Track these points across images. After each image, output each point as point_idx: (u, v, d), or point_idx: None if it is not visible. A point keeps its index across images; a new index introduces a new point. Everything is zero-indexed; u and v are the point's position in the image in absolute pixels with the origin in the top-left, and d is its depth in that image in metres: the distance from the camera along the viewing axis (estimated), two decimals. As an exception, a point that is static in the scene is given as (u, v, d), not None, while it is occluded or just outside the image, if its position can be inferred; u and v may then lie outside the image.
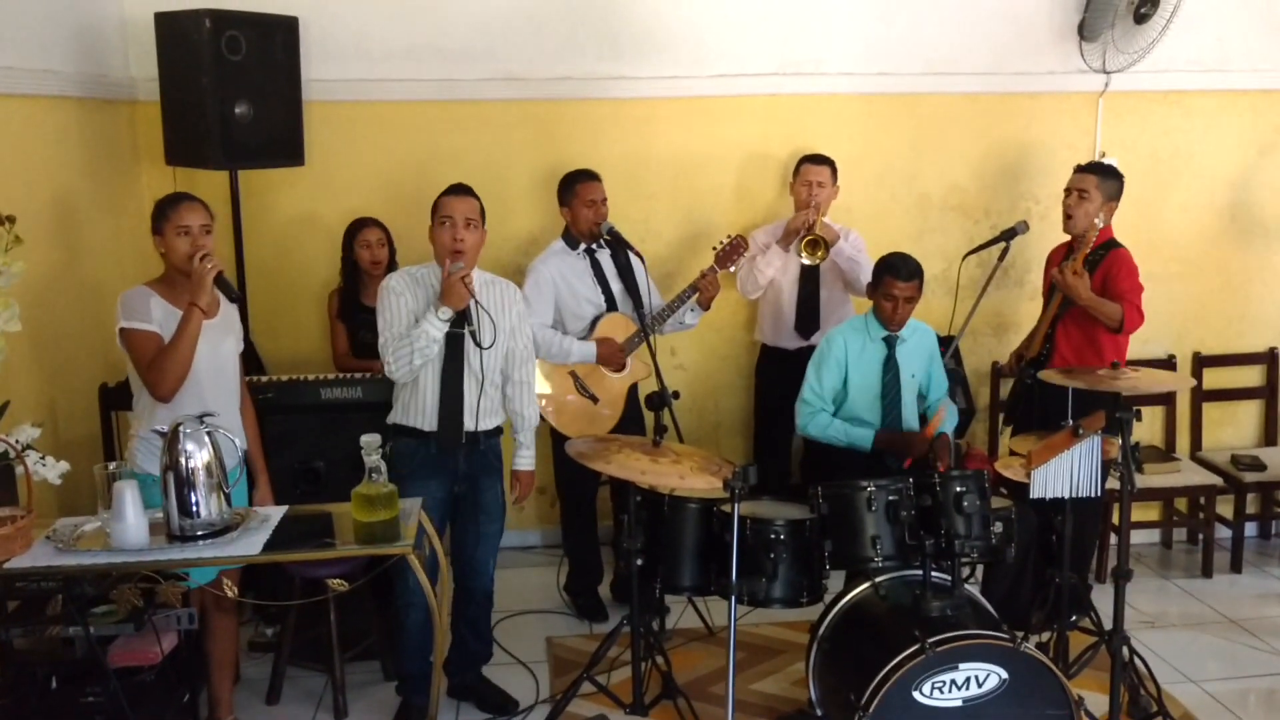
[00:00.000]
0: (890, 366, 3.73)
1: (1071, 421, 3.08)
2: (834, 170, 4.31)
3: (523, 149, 4.50)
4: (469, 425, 3.28)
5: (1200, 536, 4.72)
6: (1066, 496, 3.04)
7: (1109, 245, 3.94)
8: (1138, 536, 4.85)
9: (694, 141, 4.58)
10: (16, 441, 2.66)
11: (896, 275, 3.62)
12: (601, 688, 3.29)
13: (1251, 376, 4.99)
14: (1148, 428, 4.85)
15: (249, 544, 2.65)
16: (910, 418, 3.78)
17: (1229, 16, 4.68)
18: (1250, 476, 4.62)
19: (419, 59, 4.39)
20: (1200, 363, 4.91)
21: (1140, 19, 4.44)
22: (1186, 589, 4.49)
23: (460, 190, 3.27)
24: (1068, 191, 3.96)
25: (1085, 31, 4.59)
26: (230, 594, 2.96)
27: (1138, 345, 4.45)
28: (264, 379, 3.76)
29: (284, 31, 4.01)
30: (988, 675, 2.80)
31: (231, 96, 3.82)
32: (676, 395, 3.45)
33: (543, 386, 3.90)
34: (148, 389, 2.94)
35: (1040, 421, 3.75)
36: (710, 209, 4.64)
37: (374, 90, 4.38)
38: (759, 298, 4.45)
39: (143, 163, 4.30)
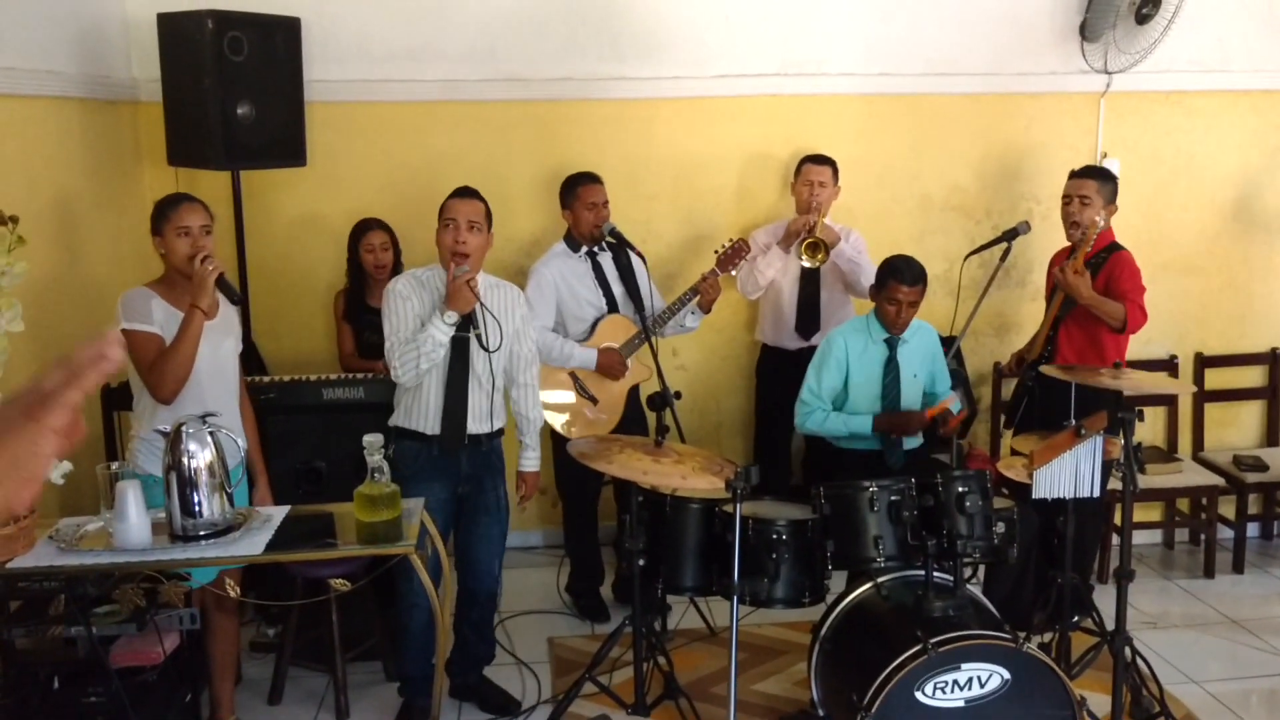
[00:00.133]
0: (891, 368, 3.73)
1: (1074, 422, 3.08)
2: (835, 170, 4.31)
3: (524, 149, 4.50)
4: (472, 428, 3.28)
5: (1202, 537, 4.72)
6: (1068, 497, 3.05)
7: (1111, 248, 3.94)
8: (1140, 537, 4.85)
9: (695, 142, 4.59)
10: (19, 442, 2.66)
11: (901, 280, 3.61)
12: (603, 688, 3.30)
13: (1253, 377, 4.99)
14: (1150, 428, 4.85)
15: (251, 544, 2.65)
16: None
17: (1230, 17, 4.68)
18: (1252, 477, 4.62)
19: (420, 60, 4.39)
20: (1202, 363, 4.91)
21: (1142, 19, 4.44)
22: (1188, 589, 4.48)
23: (465, 193, 3.27)
24: (1068, 199, 3.94)
25: (1087, 32, 4.59)
26: (232, 594, 2.97)
27: (1139, 345, 4.45)
28: (266, 379, 3.76)
29: (286, 32, 4.01)
30: (990, 676, 2.80)
31: (233, 97, 3.82)
32: (678, 395, 3.45)
33: (561, 398, 3.92)
34: (149, 391, 2.94)
35: (1042, 422, 3.74)
36: (711, 210, 4.64)
37: (376, 91, 4.38)
38: (759, 298, 4.45)
39: (145, 163, 4.30)
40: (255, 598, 3.30)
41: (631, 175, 4.50)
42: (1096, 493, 3.04)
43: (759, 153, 4.63)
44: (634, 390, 4.08)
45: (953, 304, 4.34)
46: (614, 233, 3.96)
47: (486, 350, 3.22)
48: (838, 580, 3.19)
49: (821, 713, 3.15)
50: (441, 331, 3.14)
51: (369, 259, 4.10)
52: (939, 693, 2.78)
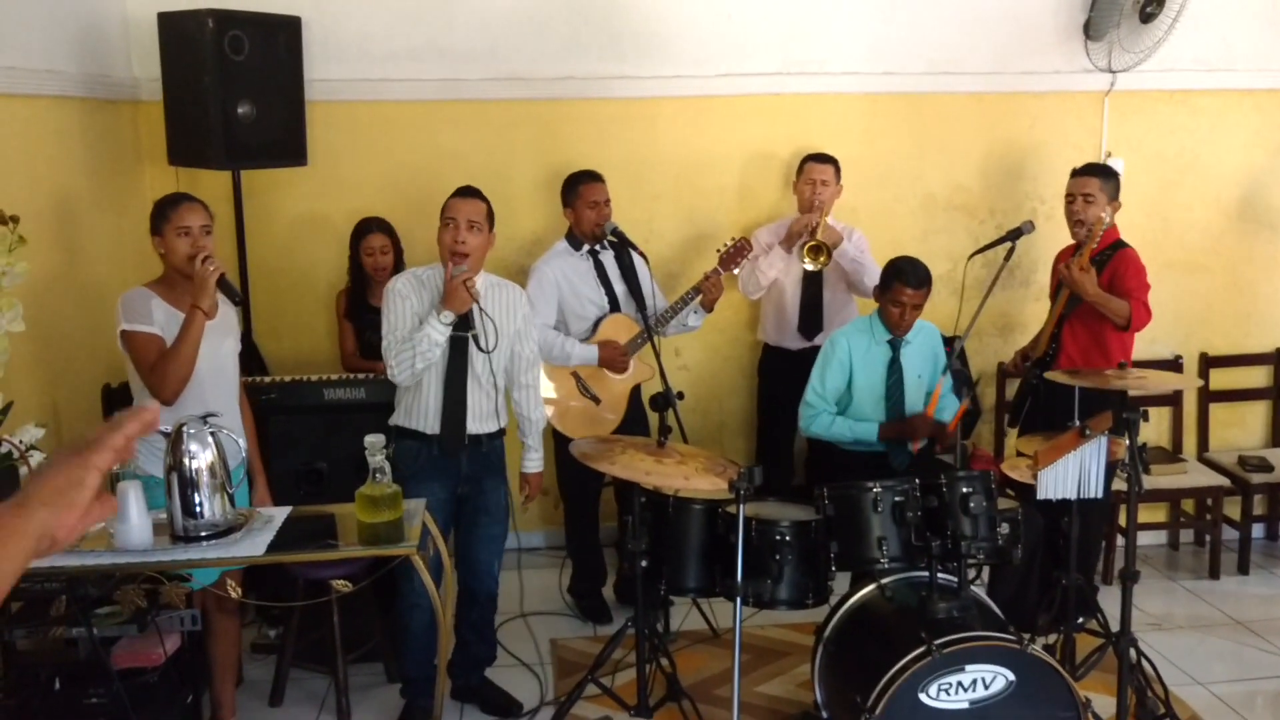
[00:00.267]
0: (895, 369, 3.71)
1: (1078, 422, 3.06)
2: (838, 169, 4.30)
3: (526, 149, 4.49)
4: (472, 428, 3.27)
5: (1207, 538, 4.70)
6: (1073, 498, 3.03)
7: (1116, 246, 3.92)
8: (1144, 538, 4.83)
9: (697, 141, 4.57)
10: (20, 442, 2.66)
11: (906, 282, 3.60)
12: (606, 690, 3.28)
13: (1259, 377, 4.97)
14: (1155, 428, 4.83)
15: (253, 545, 2.64)
16: (915, 418, 3.77)
17: (1235, 16, 4.66)
18: (1257, 478, 4.60)
19: (422, 59, 4.38)
20: (1207, 363, 4.89)
21: (1146, 18, 4.42)
22: (1193, 590, 4.47)
23: (467, 192, 3.25)
24: (1071, 197, 3.92)
25: (1091, 31, 4.57)
26: (234, 595, 2.96)
27: (1144, 345, 4.43)
28: (267, 379, 3.75)
29: (287, 31, 4.01)
30: (994, 677, 2.78)
31: (234, 96, 3.81)
32: (681, 396, 3.44)
33: (548, 390, 3.89)
34: (150, 392, 2.92)
35: (1046, 422, 3.73)
36: (713, 209, 4.63)
37: (377, 90, 4.37)
38: (762, 298, 4.44)
39: (145, 163, 4.30)
40: (256, 599, 3.29)
41: (633, 174, 4.49)
42: (1101, 494, 3.03)
43: (761, 152, 4.62)
44: (636, 390, 4.07)
45: (956, 304, 4.31)
46: (615, 232, 3.95)
47: (483, 351, 3.21)
48: (841, 581, 3.18)
49: (825, 715, 3.14)
50: (438, 331, 3.13)
51: (369, 261, 4.09)
52: (943, 694, 2.77)
